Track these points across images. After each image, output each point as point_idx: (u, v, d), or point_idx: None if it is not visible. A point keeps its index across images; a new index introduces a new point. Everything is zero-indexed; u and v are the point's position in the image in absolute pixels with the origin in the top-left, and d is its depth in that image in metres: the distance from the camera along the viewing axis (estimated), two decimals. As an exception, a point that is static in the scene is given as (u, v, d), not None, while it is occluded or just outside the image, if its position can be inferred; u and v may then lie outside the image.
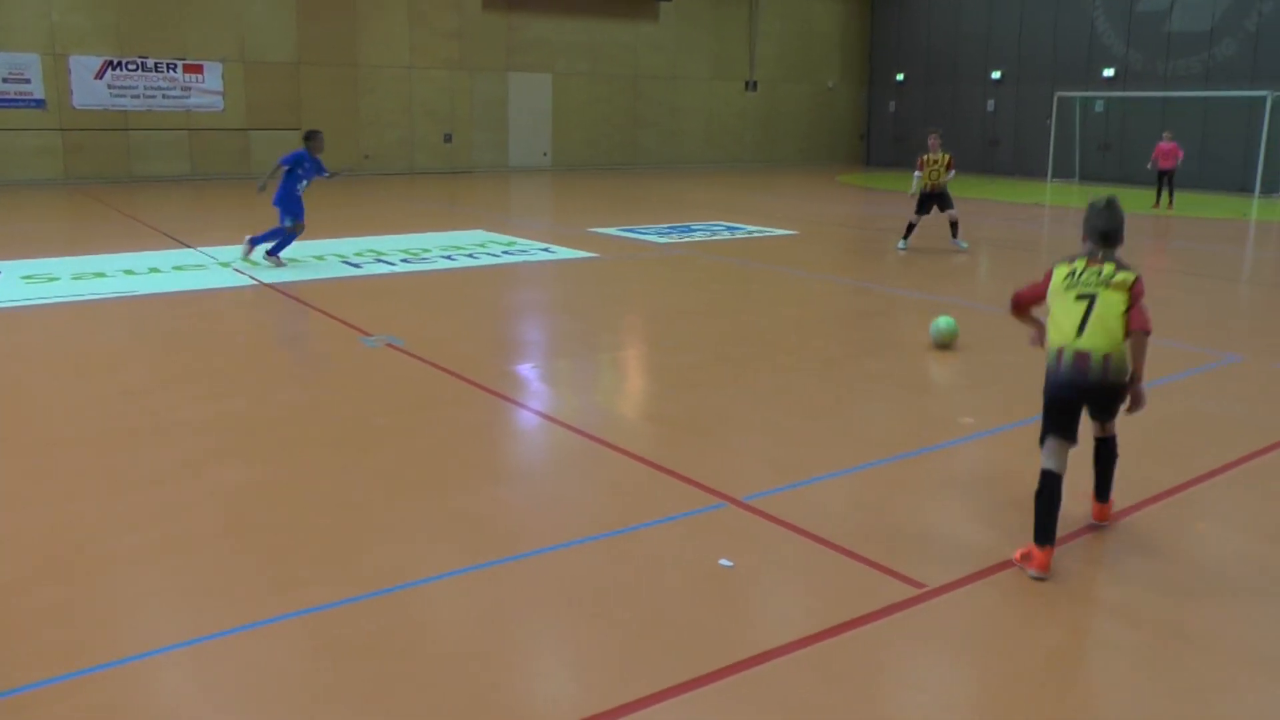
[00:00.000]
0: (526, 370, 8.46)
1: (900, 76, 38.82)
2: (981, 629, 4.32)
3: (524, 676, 3.93)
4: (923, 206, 15.56)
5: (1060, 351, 4.92)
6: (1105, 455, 5.33)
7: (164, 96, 26.71)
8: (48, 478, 5.86)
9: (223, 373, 8.20)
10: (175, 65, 26.70)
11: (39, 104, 25.15)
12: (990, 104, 35.55)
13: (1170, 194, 23.83)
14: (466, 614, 4.37)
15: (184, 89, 26.90)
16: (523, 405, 7.42)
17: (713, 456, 6.34)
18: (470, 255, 14.29)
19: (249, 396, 7.52)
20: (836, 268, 14.41)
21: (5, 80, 24.69)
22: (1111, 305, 4.90)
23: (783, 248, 16.14)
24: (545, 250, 14.91)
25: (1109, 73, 32.03)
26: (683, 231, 17.55)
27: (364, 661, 3.91)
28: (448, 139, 30.95)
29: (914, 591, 4.52)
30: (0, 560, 4.76)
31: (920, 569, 4.73)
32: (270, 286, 11.73)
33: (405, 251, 14.58)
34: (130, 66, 26.17)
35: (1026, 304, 5.40)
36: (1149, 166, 24.43)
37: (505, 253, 14.53)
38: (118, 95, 26.12)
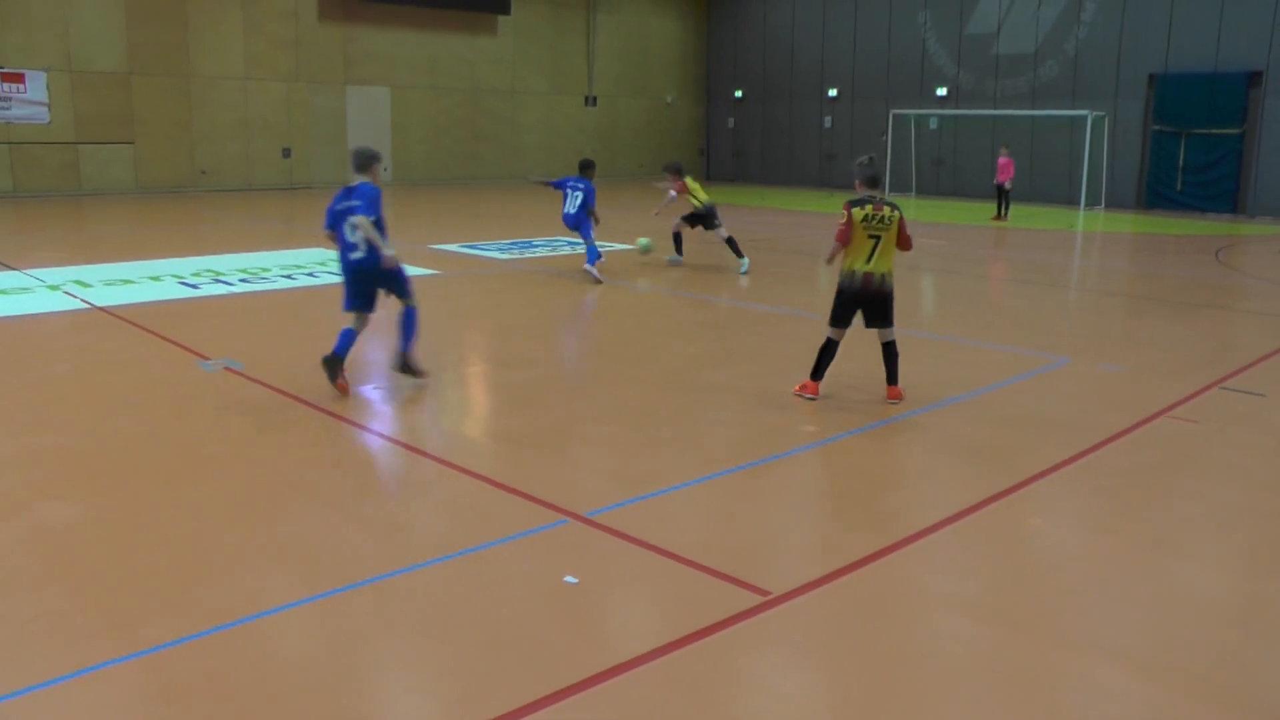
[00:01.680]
0: (368, 391, 8.45)
1: (738, 93, 39.76)
2: (827, 632, 4.50)
3: (373, 705, 3.94)
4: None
5: (853, 272, 7.62)
6: (891, 354, 7.85)
7: (-18, 108, 25.67)
8: None
9: (49, 402, 7.99)
10: (-7, 75, 25.69)
11: None
12: (828, 120, 36.72)
13: (1006, 206, 25.33)
14: (310, 646, 4.38)
15: (3, 99, 25.85)
16: (364, 427, 7.44)
17: (556, 472, 6.48)
18: (310, 274, 14.23)
19: (78, 427, 7.35)
20: (675, 282, 14.78)
21: None
22: (890, 239, 7.59)
23: (623, 262, 16.42)
24: (387, 269, 14.89)
25: (942, 91, 33.49)
26: (524, 247, 17.74)
27: (204, 702, 3.87)
28: (286, 154, 30.46)
29: (759, 599, 4.70)
30: None
31: (764, 577, 4.93)
32: (103, 310, 11.47)
33: (244, 271, 14.42)
34: (-56, 77, 25.09)
35: (848, 240, 7.61)
36: (995, 182, 25.81)
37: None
38: (-70, 107, 25.01)
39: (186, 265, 14.85)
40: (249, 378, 8.63)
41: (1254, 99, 27.52)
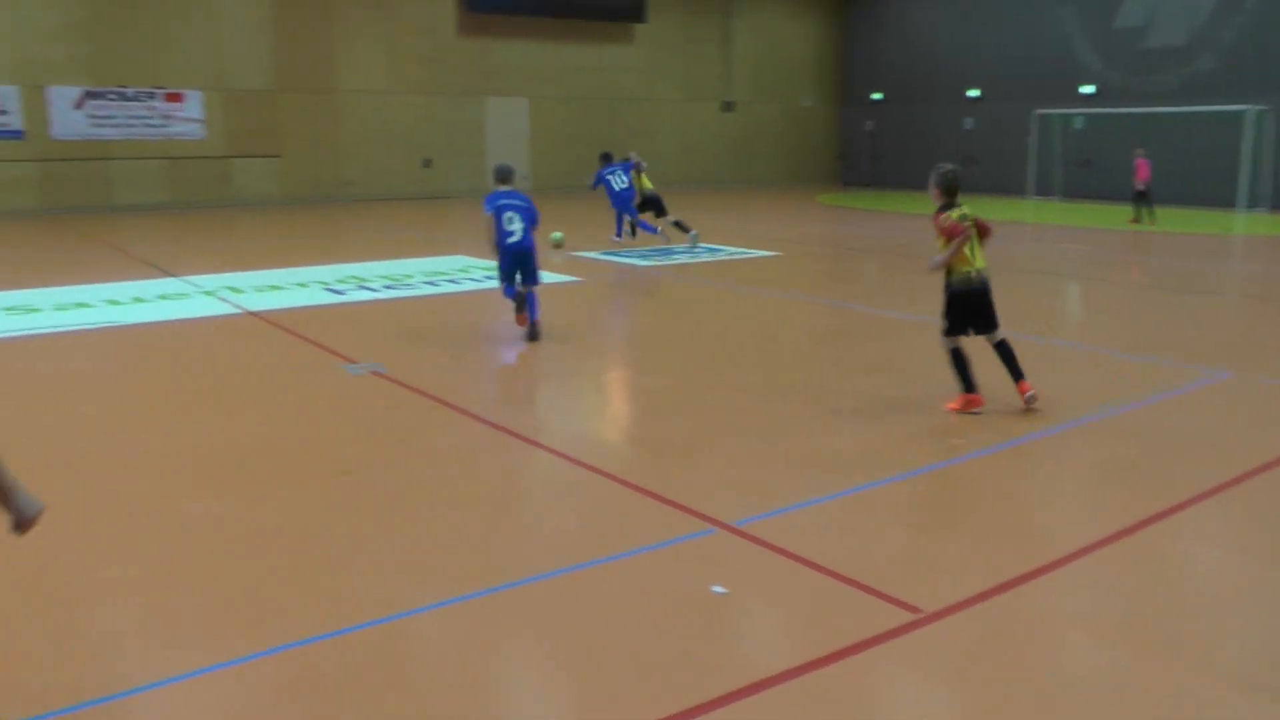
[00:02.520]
0: (510, 395, 8.50)
1: (877, 95, 39.11)
2: (979, 654, 4.28)
3: (511, 710, 3.89)
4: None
5: (968, 274, 7.59)
6: (1008, 352, 7.69)
7: (145, 125, 26.73)
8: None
9: (200, 401, 8.21)
10: (154, 94, 26.75)
11: (17, 135, 25.14)
12: (968, 122, 35.82)
13: (1149, 209, 24.10)
14: (450, 648, 4.35)
15: (164, 117, 26.92)
16: (507, 430, 7.43)
17: (697, 481, 6.37)
18: (452, 281, 14.37)
19: (226, 426, 7.52)
20: (818, 288, 14.54)
21: (-16, 112, 24.75)
22: (976, 237, 7.64)
23: (764, 269, 16.25)
24: (527, 275, 14.99)
25: (1087, 89, 32.26)
26: (663, 254, 17.66)
27: (342, 698, 3.87)
28: (427, 164, 31.01)
29: (910, 616, 4.50)
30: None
31: (915, 593, 4.72)
32: (255, 314, 11.77)
33: (387, 278, 14.65)
34: (110, 96, 26.20)
35: (957, 235, 7.54)
36: (1136, 184, 24.57)
37: (488, 278, 14.55)
38: (97, 125, 26.13)
39: (332, 272, 15.15)
40: (394, 381, 8.69)
41: None
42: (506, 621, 4.52)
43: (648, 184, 19.01)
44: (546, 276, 14.79)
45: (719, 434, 7.38)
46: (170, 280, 14.40)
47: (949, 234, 7.61)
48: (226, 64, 27.73)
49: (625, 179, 18.36)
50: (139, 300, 12.74)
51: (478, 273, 14.99)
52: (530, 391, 8.88)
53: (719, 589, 4.77)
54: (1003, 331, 7.74)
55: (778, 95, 39.15)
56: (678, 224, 18.70)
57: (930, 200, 7.79)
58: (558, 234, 18.31)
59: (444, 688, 3.99)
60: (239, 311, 12.00)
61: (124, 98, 26.39)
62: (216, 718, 3.80)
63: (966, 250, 7.60)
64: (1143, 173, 24.06)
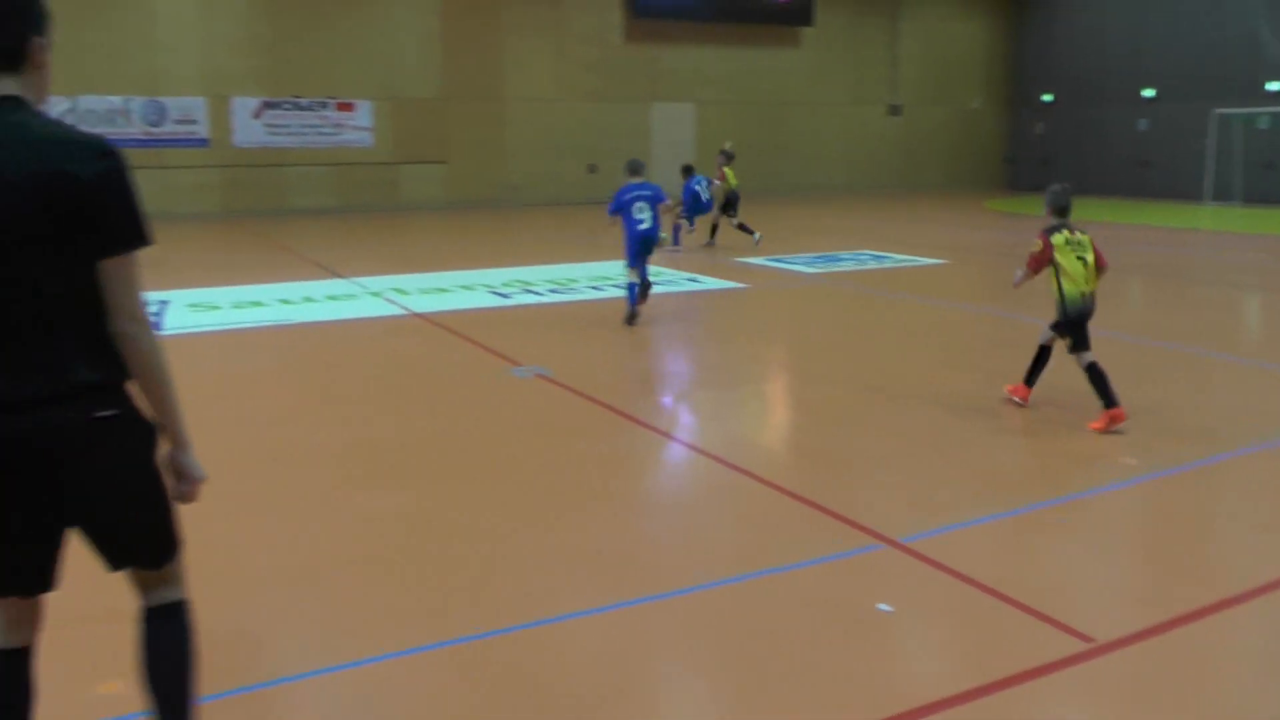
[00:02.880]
0: (672, 400, 8.36)
1: (1047, 97, 37.71)
2: (1158, 688, 3.97)
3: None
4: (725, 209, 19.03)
5: (1082, 294, 7.34)
6: (1099, 374, 7.29)
7: (317, 133, 27.56)
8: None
9: (370, 400, 8.31)
10: (327, 104, 27.54)
11: (203, 143, 26.21)
12: (1142, 123, 34.17)
13: None
14: (607, 653, 4.24)
15: (336, 125, 27.71)
16: (669, 436, 7.32)
17: (858, 494, 6.14)
18: (618, 286, 14.24)
19: (397, 424, 7.58)
20: (987, 298, 13.95)
21: (176, 122, 25.85)
22: (1092, 260, 7.40)
23: (932, 277, 15.78)
24: (692, 280, 14.82)
25: (1274, 86, 30.33)
26: (829, 261, 17.26)
27: (506, 694, 3.83)
28: (592, 170, 31.14)
29: (1083, 646, 4.19)
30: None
31: (1088, 621, 4.40)
32: (421, 316, 11.86)
33: (552, 282, 14.64)
34: (286, 106, 27.09)
35: (1040, 268, 7.48)
36: None
37: (653, 283, 14.46)
38: (274, 133, 27.05)
39: (497, 276, 15.22)
40: (559, 384, 8.60)
41: None
42: (661, 631, 4.41)
43: (734, 180, 18.97)
44: (711, 282, 14.65)
45: (884, 447, 7.07)
46: (339, 281, 14.66)
47: (1034, 265, 7.54)
48: (396, 74, 28.38)
49: (706, 190, 18.50)
50: (309, 300, 12.99)
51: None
52: (693, 397, 8.68)
53: (884, 607, 4.54)
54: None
55: (945, 98, 38.17)
56: (741, 226, 18.83)
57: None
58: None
59: (597, 694, 3.88)
60: (405, 313, 12.11)
61: (299, 107, 27.24)
62: (380, 705, 3.78)
63: (1082, 270, 7.35)
64: None
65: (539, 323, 11.72)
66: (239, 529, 5.42)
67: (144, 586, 2.96)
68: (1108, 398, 7.19)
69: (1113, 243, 16.30)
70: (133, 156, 3.04)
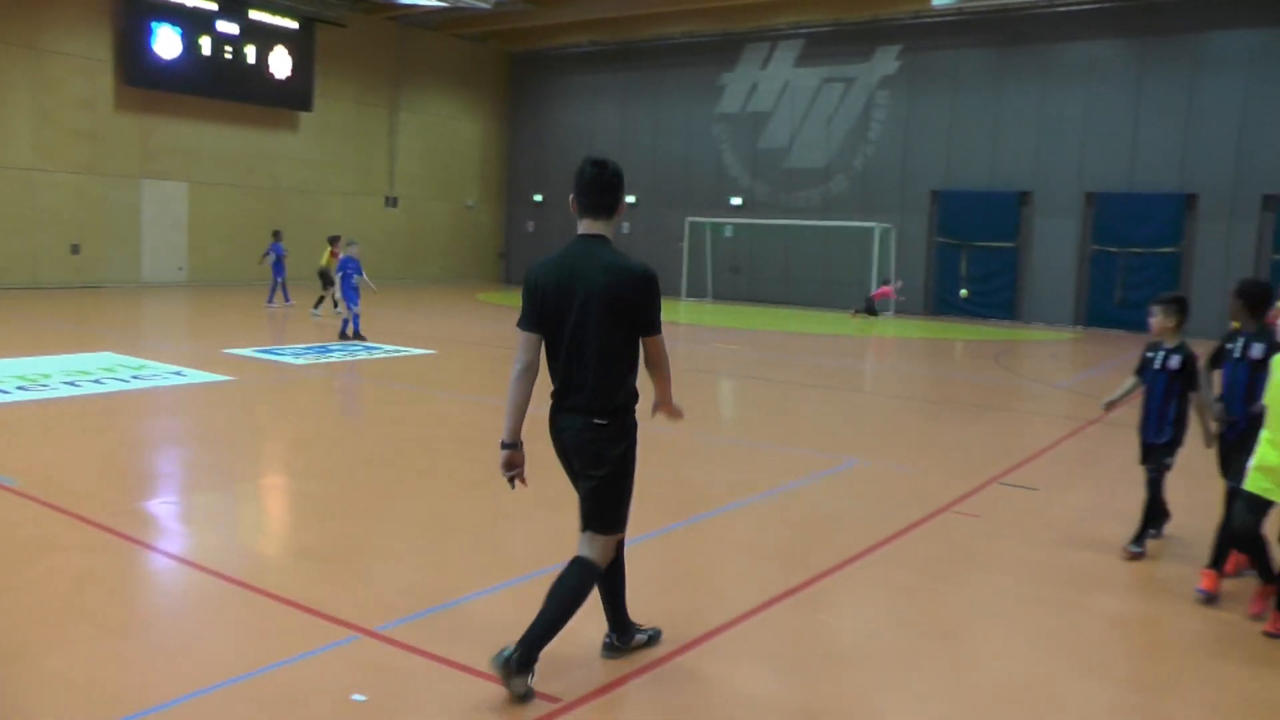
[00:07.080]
0: (157, 507, 8.10)
1: (538, 197, 40.35)
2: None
3: None
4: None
5: None
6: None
7: None
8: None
9: None
10: None
11: None
12: (625, 226, 37.42)
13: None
14: None
15: None
16: (151, 547, 7.08)
17: (351, 587, 6.31)
18: (96, 381, 13.54)
19: None
20: (472, 387, 14.79)
21: None
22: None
23: (421, 367, 16.39)
24: (177, 374, 14.25)
25: (737, 201, 34.93)
26: (320, 351, 17.42)
27: None
28: (75, 250, 29.06)
29: (550, 707, 4.68)
30: None
31: (555, 684, 4.90)
32: None
33: (21, 378, 13.57)
34: None
35: None
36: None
37: (135, 377, 13.87)
38: None
39: (-45, 371, 13.95)
40: (24, 495, 8.07)
41: (1025, 216, 29.88)
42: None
43: (325, 260, 23.83)
44: (202, 375, 14.27)
45: (378, 537, 7.31)
46: None
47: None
48: None
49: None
50: None
51: (124, 371, 14.24)
52: (179, 499, 8.52)
53: (358, 697, 4.78)
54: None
55: (445, 193, 39.51)
56: (322, 299, 23.05)
57: None
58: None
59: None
60: None
61: None
62: None
63: None
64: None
65: (4, 425, 10.82)
66: None
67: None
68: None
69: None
70: None
